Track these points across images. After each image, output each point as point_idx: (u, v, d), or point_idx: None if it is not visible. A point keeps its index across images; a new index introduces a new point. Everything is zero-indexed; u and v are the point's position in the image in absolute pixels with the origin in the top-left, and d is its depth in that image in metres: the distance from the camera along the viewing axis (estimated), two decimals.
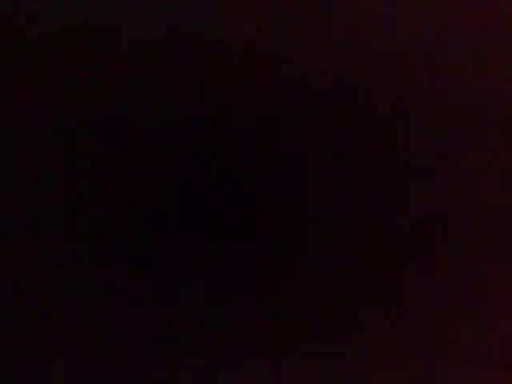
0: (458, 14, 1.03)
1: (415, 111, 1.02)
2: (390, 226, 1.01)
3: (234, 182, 1.00)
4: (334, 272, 1.00)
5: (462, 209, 1.02)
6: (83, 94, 1.00)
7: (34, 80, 1.00)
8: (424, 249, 1.01)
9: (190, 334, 1.00)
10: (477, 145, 1.02)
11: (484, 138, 1.02)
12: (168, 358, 1.00)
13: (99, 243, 0.99)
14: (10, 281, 0.99)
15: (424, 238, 1.01)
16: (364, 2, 1.02)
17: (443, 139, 1.02)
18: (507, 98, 1.03)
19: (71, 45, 1.00)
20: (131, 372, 0.99)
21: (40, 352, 0.99)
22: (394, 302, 1.00)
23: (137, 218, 0.99)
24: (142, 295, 0.99)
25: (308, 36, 1.02)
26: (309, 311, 1.00)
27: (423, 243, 1.01)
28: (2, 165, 0.99)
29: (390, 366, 1.01)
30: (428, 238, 1.01)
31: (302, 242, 1.00)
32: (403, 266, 1.01)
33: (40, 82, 1.00)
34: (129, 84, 1.01)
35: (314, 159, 1.01)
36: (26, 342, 0.99)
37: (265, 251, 1.00)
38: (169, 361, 1.00)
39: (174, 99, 1.01)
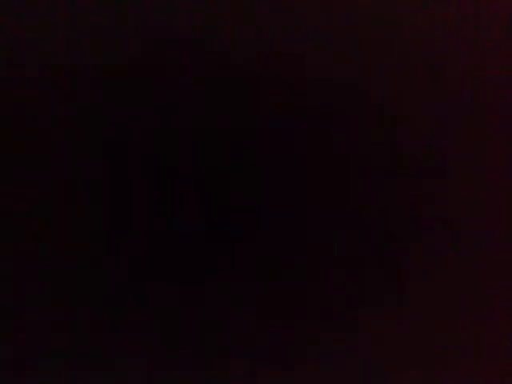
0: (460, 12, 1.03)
1: (416, 111, 1.02)
2: (390, 226, 1.01)
3: (235, 181, 1.00)
4: (334, 272, 1.00)
5: (463, 209, 1.02)
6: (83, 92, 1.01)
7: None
8: (425, 248, 1.01)
9: (191, 334, 1.00)
10: (477, 144, 1.02)
11: (484, 137, 1.02)
12: (168, 358, 1.00)
13: (98, 243, 0.99)
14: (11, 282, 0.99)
15: (426, 238, 1.01)
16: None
17: (444, 139, 1.02)
18: (507, 97, 1.03)
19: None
20: (133, 372, 1.00)
21: (40, 352, 0.99)
22: (394, 302, 1.00)
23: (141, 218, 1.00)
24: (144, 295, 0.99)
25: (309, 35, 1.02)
26: (309, 311, 1.00)
27: (424, 242, 1.01)
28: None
29: (389, 366, 1.01)
30: (430, 237, 1.01)
31: (301, 242, 1.00)
32: (403, 265, 1.01)
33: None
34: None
35: (314, 159, 1.01)
36: (26, 343, 0.99)
37: (264, 251, 1.00)
38: (169, 361, 1.00)
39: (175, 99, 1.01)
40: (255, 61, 1.01)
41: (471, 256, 1.01)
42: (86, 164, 1.00)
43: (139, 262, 0.99)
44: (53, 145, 1.00)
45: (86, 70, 1.00)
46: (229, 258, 1.00)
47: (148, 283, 0.99)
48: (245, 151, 1.00)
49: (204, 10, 1.01)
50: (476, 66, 1.03)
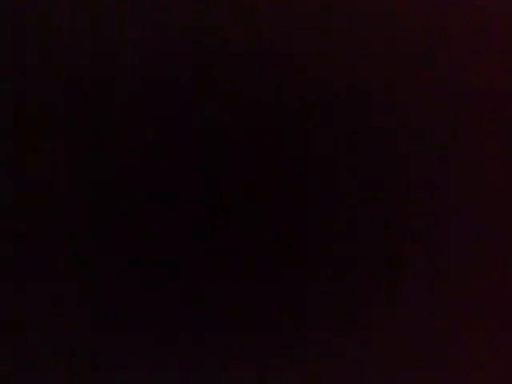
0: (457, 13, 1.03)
1: (416, 109, 1.02)
2: (389, 225, 1.01)
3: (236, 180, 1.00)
4: (333, 272, 1.01)
5: (462, 209, 1.02)
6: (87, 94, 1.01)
7: None
8: (423, 248, 1.01)
9: (190, 334, 1.00)
10: (477, 143, 1.02)
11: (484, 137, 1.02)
12: (168, 358, 1.00)
13: (98, 242, 1.00)
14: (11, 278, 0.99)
15: (423, 237, 1.01)
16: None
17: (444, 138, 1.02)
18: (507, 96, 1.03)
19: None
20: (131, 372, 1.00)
21: (41, 352, 0.99)
22: (394, 303, 1.01)
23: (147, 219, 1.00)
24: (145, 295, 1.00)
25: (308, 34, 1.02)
26: (309, 311, 1.00)
27: (422, 242, 1.01)
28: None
29: (389, 366, 1.01)
30: (427, 236, 1.01)
31: (301, 242, 1.00)
32: (402, 265, 1.01)
33: None
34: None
35: (314, 158, 1.01)
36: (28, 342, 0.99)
37: (264, 251, 1.00)
38: (168, 360, 1.00)
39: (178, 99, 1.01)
40: (254, 61, 1.01)
41: (471, 255, 1.01)
42: (85, 163, 1.00)
43: (139, 262, 1.00)
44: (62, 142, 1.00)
45: (86, 71, 1.01)
46: (229, 258, 1.00)
47: (148, 283, 1.00)
48: (244, 151, 1.00)
49: (204, 11, 1.02)
50: (476, 66, 1.03)
